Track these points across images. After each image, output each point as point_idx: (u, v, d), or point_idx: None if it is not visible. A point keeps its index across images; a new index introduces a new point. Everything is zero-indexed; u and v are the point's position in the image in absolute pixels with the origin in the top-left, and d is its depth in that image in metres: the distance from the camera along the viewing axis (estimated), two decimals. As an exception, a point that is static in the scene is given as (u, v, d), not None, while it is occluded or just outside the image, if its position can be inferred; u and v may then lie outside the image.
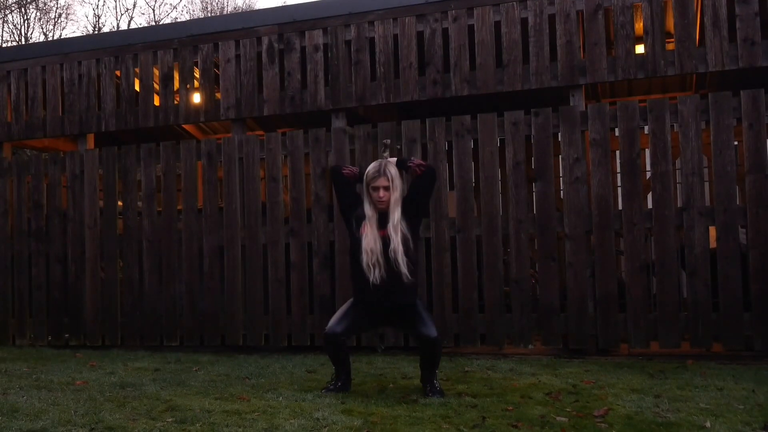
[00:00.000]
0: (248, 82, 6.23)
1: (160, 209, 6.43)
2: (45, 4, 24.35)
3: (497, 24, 5.64)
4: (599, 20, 5.43)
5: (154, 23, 25.27)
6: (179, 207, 6.40)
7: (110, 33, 9.86)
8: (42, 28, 24.92)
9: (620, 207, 5.37)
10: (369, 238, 3.87)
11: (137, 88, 6.65)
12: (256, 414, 3.46)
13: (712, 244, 5.19)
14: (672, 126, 5.25)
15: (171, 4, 36.63)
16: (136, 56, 6.56)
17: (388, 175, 3.88)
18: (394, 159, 4.04)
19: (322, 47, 6.05)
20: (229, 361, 5.41)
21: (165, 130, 7.61)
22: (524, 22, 5.58)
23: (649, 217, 5.27)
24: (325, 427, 3.20)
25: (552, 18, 5.52)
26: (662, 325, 5.16)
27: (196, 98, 6.60)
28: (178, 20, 22.39)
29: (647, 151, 5.54)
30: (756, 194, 5.03)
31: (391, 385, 4.23)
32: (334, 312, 5.40)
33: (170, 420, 3.37)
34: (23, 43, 22.45)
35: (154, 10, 29.85)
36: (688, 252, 5.15)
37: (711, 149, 5.17)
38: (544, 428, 3.16)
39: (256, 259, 6.06)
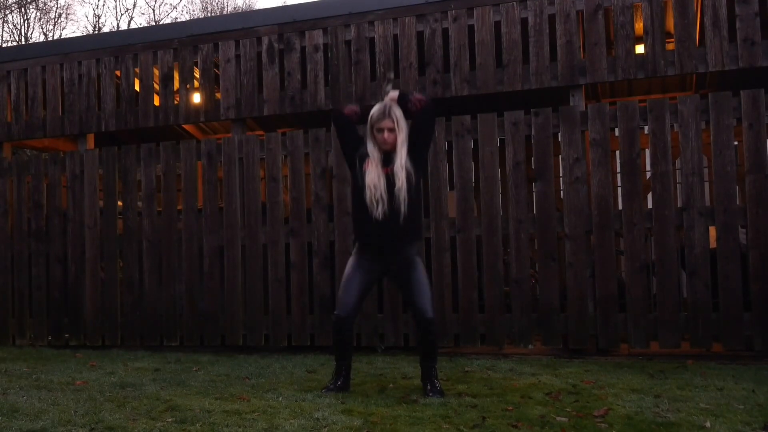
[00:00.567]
0: (248, 82, 6.23)
1: (160, 209, 6.43)
2: (45, 4, 24.37)
3: (497, 24, 5.64)
4: (599, 20, 5.43)
5: (154, 23, 25.28)
6: (179, 207, 6.40)
7: (110, 33, 9.86)
8: (42, 28, 24.93)
9: (620, 207, 5.37)
10: (372, 174, 3.85)
11: (137, 88, 6.65)
12: (256, 414, 3.46)
13: (712, 244, 5.19)
14: (672, 126, 5.25)
15: (171, 4, 36.65)
16: (136, 56, 6.56)
17: (393, 117, 3.86)
18: (397, 93, 3.99)
19: (322, 47, 6.05)
20: (229, 361, 5.41)
21: (165, 130, 7.61)
22: (524, 22, 5.58)
23: (649, 217, 5.27)
24: (325, 427, 3.20)
25: (552, 18, 5.53)
26: (662, 325, 5.15)
27: (196, 98, 6.60)
28: (178, 20, 22.40)
29: (647, 151, 5.54)
30: (756, 194, 5.03)
31: (391, 385, 4.23)
32: (334, 311, 5.42)
33: (170, 420, 3.37)
34: (23, 43, 22.46)
35: (154, 10, 29.86)
36: (688, 252, 5.15)
37: (711, 149, 5.17)
38: (544, 428, 3.16)
39: (256, 259, 6.06)
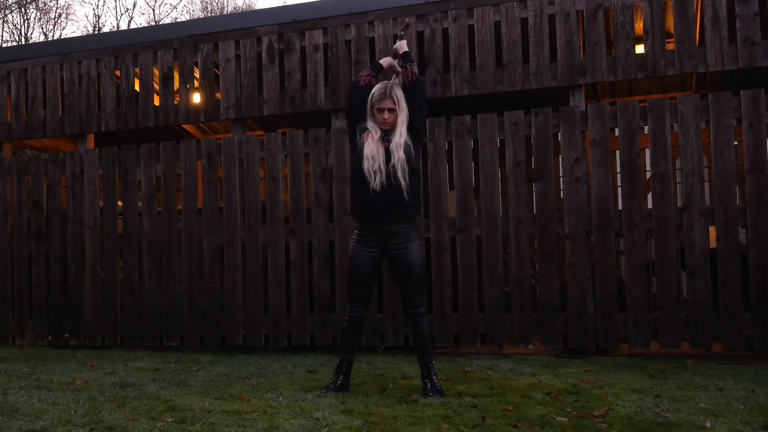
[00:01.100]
0: (248, 82, 6.23)
1: (160, 209, 6.43)
2: (45, 4, 24.37)
3: (497, 24, 5.64)
4: (599, 20, 5.43)
5: (154, 23, 25.27)
6: (179, 207, 6.40)
7: (110, 33, 9.86)
8: (42, 28, 24.93)
9: (620, 207, 5.37)
10: (371, 146, 3.91)
11: (137, 88, 6.65)
12: (256, 414, 3.46)
13: (712, 244, 5.19)
14: (672, 126, 5.25)
15: (171, 4, 36.65)
16: (136, 56, 6.56)
17: (393, 97, 3.92)
18: (404, 48, 4.14)
19: (322, 47, 6.05)
20: (229, 361, 5.41)
21: (165, 130, 7.60)
22: (524, 22, 5.58)
23: (649, 217, 5.27)
24: (325, 427, 3.20)
25: (552, 18, 5.52)
26: (662, 325, 5.15)
27: (196, 98, 6.60)
28: (178, 20, 22.40)
29: (647, 151, 5.54)
30: (756, 194, 5.03)
31: (391, 385, 4.23)
32: (334, 311, 5.42)
33: (170, 420, 3.37)
34: (23, 43, 22.46)
35: (154, 10, 29.86)
36: (688, 252, 5.15)
37: (711, 149, 5.17)
38: (544, 428, 3.16)
39: (256, 259, 6.06)
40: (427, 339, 4.00)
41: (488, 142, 5.61)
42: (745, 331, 5.01)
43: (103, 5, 28.89)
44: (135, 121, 6.55)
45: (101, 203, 6.61)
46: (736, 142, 5.35)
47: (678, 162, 5.37)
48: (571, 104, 5.47)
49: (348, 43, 5.99)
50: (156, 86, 6.76)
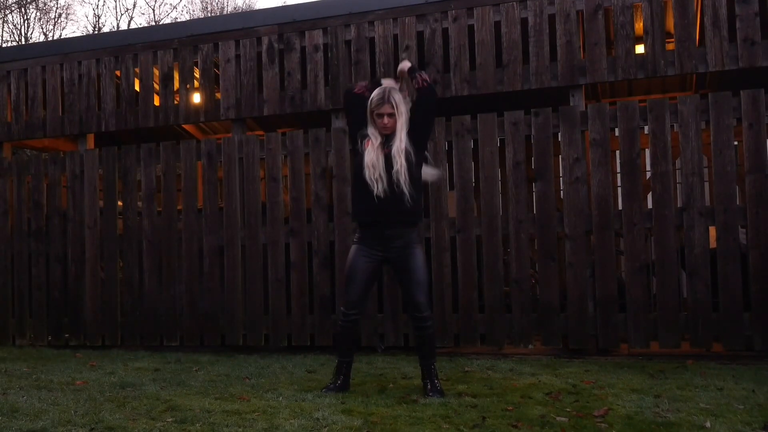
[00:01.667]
0: (248, 82, 6.23)
1: (160, 209, 6.43)
2: (45, 4, 24.37)
3: (497, 24, 5.64)
4: (599, 20, 5.43)
5: (154, 23, 25.28)
6: (179, 207, 6.40)
7: (110, 33, 9.86)
8: (42, 28, 24.93)
9: (620, 207, 5.37)
10: (371, 153, 3.89)
11: (137, 88, 6.65)
12: (256, 414, 3.46)
13: (712, 244, 5.19)
14: (672, 126, 5.25)
15: (171, 4, 36.65)
16: (136, 56, 6.56)
17: (392, 102, 3.90)
18: (408, 64, 4.08)
19: (322, 47, 6.05)
20: (229, 361, 5.41)
21: (165, 130, 7.60)
22: (524, 22, 5.58)
23: (649, 217, 5.27)
24: (325, 427, 3.20)
25: (552, 18, 5.52)
26: (662, 325, 5.15)
27: (196, 98, 6.60)
28: (178, 20, 22.40)
29: (647, 151, 5.54)
30: (756, 194, 5.03)
31: (391, 385, 4.23)
32: (334, 311, 5.42)
33: (170, 420, 3.37)
34: (23, 43, 22.46)
35: (154, 10, 29.86)
36: (688, 252, 5.15)
37: (711, 149, 5.17)
38: (544, 428, 3.16)
39: (256, 259, 6.06)
40: (430, 342, 3.98)
41: (488, 142, 5.61)
42: (745, 331, 5.01)
43: (103, 5, 28.91)
44: (135, 121, 6.55)
45: (101, 203, 6.61)
46: (736, 142, 5.35)
47: (678, 162, 5.37)
48: (571, 104, 5.47)
49: (348, 43, 5.99)
50: (156, 86, 6.76)
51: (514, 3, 5.58)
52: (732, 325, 5.01)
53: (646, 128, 5.37)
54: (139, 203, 6.52)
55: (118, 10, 29.57)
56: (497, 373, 4.61)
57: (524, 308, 5.44)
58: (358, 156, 4.01)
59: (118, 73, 6.69)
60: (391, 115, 3.90)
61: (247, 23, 6.31)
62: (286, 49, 6.14)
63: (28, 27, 24.07)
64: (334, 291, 5.84)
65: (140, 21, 27.08)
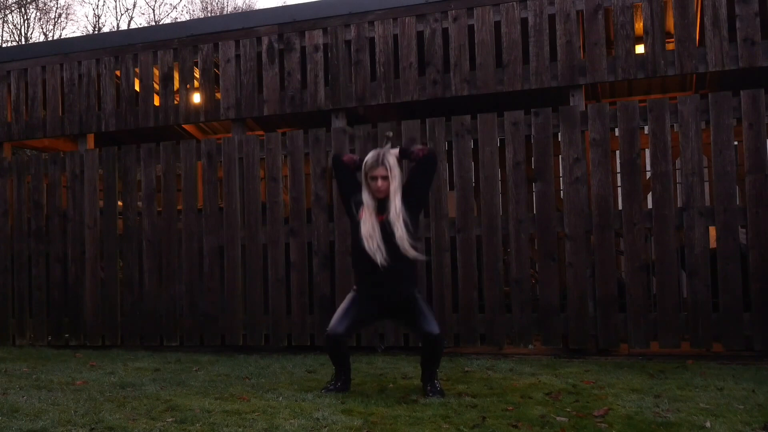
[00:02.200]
0: (248, 82, 6.23)
1: (160, 209, 6.43)
2: (45, 4, 24.37)
3: (497, 24, 5.64)
4: (599, 20, 5.43)
5: (154, 23, 25.28)
6: (179, 207, 6.40)
7: (110, 33, 9.86)
8: (42, 28, 24.93)
9: (620, 207, 5.37)
10: (367, 224, 3.88)
11: (137, 88, 6.65)
12: (256, 414, 3.46)
13: (712, 244, 5.19)
14: (672, 126, 5.25)
15: (171, 4, 36.67)
16: (136, 56, 6.56)
17: (386, 165, 3.87)
18: (396, 150, 4.02)
19: (322, 47, 6.05)
20: (229, 361, 5.41)
21: (165, 130, 7.60)
22: (524, 22, 5.58)
23: (649, 217, 5.27)
24: (325, 427, 3.20)
25: (552, 18, 5.52)
26: (662, 325, 5.15)
27: (196, 98, 6.60)
28: (178, 20, 22.40)
29: (647, 151, 5.54)
30: (756, 194, 5.03)
31: (391, 385, 4.23)
32: (334, 311, 5.41)
33: (170, 420, 3.37)
34: (23, 43, 22.46)
35: (154, 10, 29.87)
36: (688, 252, 5.15)
37: (711, 149, 5.17)
38: (544, 428, 3.16)
39: (256, 259, 6.06)
40: (440, 357, 3.96)
41: (488, 142, 5.61)
42: (745, 331, 5.01)
43: (103, 5, 28.91)
44: (135, 121, 6.55)
45: (101, 203, 6.61)
46: (736, 142, 5.34)
47: (678, 162, 5.37)
48: (571, 104, 5.47)
49: (348, 43, 5.99)
50: (156, 86, 6.76)
51: (514, 3, 5.58)
52: (732, 325, 5.01)
53: (646, 128, 5.37)
54: (139, 203, 6.52)
55: (118, 10, 29.58)
56: (497, 373, 4.61)
57: (524, 308, 5.44)
58: (354, 223, 4.00)
59: (118, 73, 6.69)
60: (385, 178, 3.86)
61: (247, 23, 6.31)
62: (286, 49, 6.14)
63: (28, 27, 24.08)
64: (334, 291, 5.84)
65: (140, 21, 27.10)
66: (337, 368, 4.05)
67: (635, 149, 5.28)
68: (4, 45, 21.42)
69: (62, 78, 6.78)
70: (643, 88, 7.16)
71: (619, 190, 5.46)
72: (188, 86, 6.45)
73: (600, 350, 5.32)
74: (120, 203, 6.60)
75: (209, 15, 25.49)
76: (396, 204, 3.85)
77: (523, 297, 5.45)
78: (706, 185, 6.00)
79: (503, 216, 5.56)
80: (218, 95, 6.43)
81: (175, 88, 6.48)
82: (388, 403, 3.67)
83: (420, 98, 5.81)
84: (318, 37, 6.05)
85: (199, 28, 6.51)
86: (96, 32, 23.98)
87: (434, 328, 3.84)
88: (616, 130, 5.43)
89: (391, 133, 4.20)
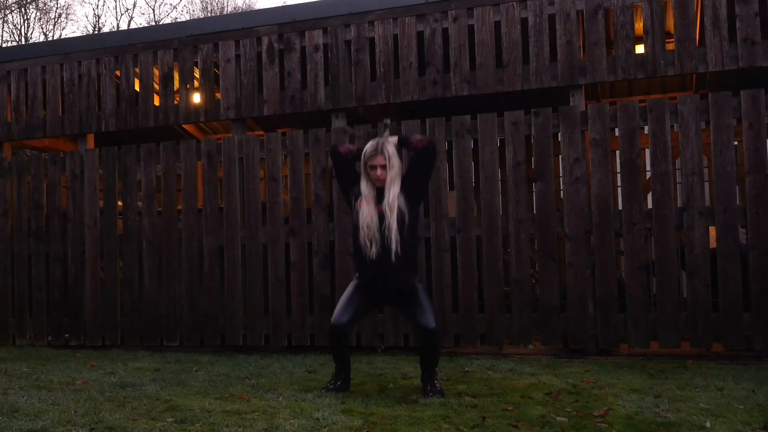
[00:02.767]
0: (248, 82, 6.23)
1: (160, 209, 6.43)
2: (45, 4, 24.37)
3: (497, 24, 5.64)
4: (599, 20, 5.43)
5: (154, 23, 25.28)
6: (179, 207, 6.40)
7: (110, 33, 9.86)
8: (42, 28, 24.93)
9: (620, 207, 5.37)
10: (365, 214, 3.89)
11: (137, 88, 6.65)
12: (256, 414, 3.46)
13: (712, 244, 5.19)
14: (672, 126, 5.25)
15: (171, 4, 36.66)
16: (136, 56, 6.56)
17: (385, 154, 3.88)
18: (395, 138, 4.04)
19: (322, 47, 6.05)
20: (229, 361, 5.41)
21: (165, 130, 7.60)
22: (524, 22, 5.58)
23: (649, 217, 5.27)
24: (325, 427, 3.20)
25: (552, 18, 5.52)
26: (662, 325, 5.15)
27: (196, 98, 6.60)
28: (178, 20, 22.40)
29: (647, 151, 5.54)
30: (756, 194, 5.03)
31: (391, 385, 4.23)
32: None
33: (170, 420, 3.37)
34: (23, 43, 22.46)
35: (154, 10, 29.87)
36: (688, 252, 5.15)
37: (711, 149, 5.17)
38: (544, 428, 3.16)
39: (256, 259, 6.06)
40: (436, 353, 3.97)
41: (488, 142, 5.61)
42: (745, 331, 5.01)
43: (103, 5, 28.91)
44: (135, 121, 6.55)
45: (101, 203, 6.61)
46: (736, 142, 5.35)
47: (678, 162, 5.37)
48: (571, 104, 5.47)
49: (348, 43, 5.99)
50: (156, 86, 6.76)
51: (514, 3, 5.58)
52: (732, 325, 5.01)
53: (646, 128, 5.37)
54: (139, 203, 6.52)
55: (118, 10, 29.58)
56: (497, 373, 4.61)
57: (524, 308, 5.44)
58: (353, 213, 4.02)
59: (118, 73, 6.69)
60: (384, 167, 3.87)
61: (247, 23, 6.31)
62: (286, 49, 6.14)
63: (28, 27, 24.08)
64: (334, 291, 5.84)
65: (140, 21, 27.10)
66: (338, 365, 4.05)
67: (635, 149, 5.28)
68: (4, 45, 21.42)
69: (62, 78, 6.78)
70: (643, 88, 7.16)
71: (619, 190, 5.46)
72: (188, 86, 6.45)
73: (600, 350, 5.32)
74: (120, 203, 6.60)
75: (209, 15, 25.49)
76: (392, 192, 3.87)
77: (523, 297, 5.45)
78: (706, 185, 6.00)
79: (503, 216, 5.56)
80: (218, 95, 6.43)
81: (175, 88, 6.48)
82: (388, 403, 3.67)
83: (420, 98, 5.81)
84: (318, 37, 6.05)
85: (199, 28, 6.51)
86: (96, 32, 23.99)
87: (430, 321, 3.84)
88: (616, 130, 5.43)
89: (389, 121, 4.20)
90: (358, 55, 5.94)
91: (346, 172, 4.11)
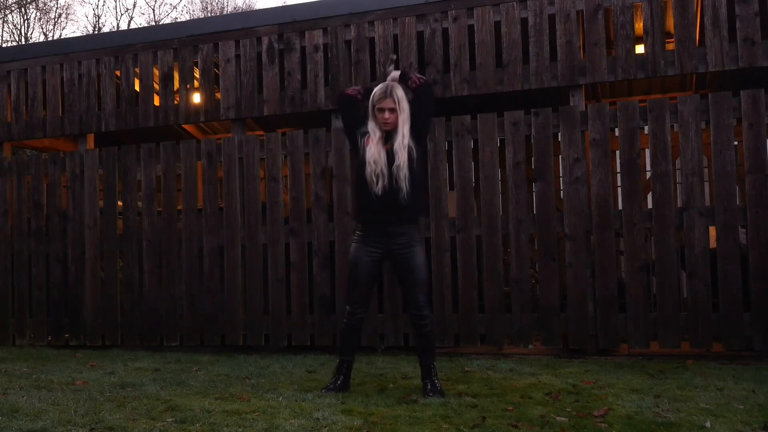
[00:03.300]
0: (248, 82, 6.23)
1: (160, 209, 6.43)
2: (45, 4, 24.38)
3: (497, 24, 5.64)
4: (599, 20, 5.43)
5: (154, 23, 25.28)
6: (179, 207, 6.40)
7: (110, 33, 9.86)
8: (42, 28, 24.93)
9: (620, 207, 5.37)
10: (373, 150, 3.90)
11: (137, 88, 6.65)
12: (256, 414, 3.46)
13: (712, 244, 5.19)
14: (672, 126, 5.25)
15: (171, 4, 36.67)
16: (136, 56, 6.55)
17: (394, 97, 3.90)
18: (398, 73, 4.06)
19: (322, 47, 6.05)
20: (229, 361, 5.41)
21: (165, 130, 7.61)
22: (524, 22, 5.58)
23: (649, 217, 5.27)
24: (325, 427, 3.20)
25: (552, 18, 5.52)
26: (662, 325, 5.15)
27: (196, 98, 6.60)
28: (178, 20, 22.39)
29: (647, 151, 5.54)
30: (756, 194, 5.03)
31: (391, 385, 4.23)
32: (334, 312, 5.42)
33: (170, 420, 3.37)
34: (23, 43, 22.46)
35: (154, 10, 29.87)
36: (688, 252, 5.15)
37: (711, 149, 5.17)
38: (544, 428, 3.16)
39: (256, 259, 6.06)
40: (430, 342, 4.00)
41: (488, 142, 5.61)
42: (745, 331, 5.01)
43: (103, 5, 28.92)
44: (135, 121, 6.55)
45: (101, 203, 6.61)
46: (736, 142, 5.34)
47: (678, 162, 5.37)
48: (571, 104, 5.47)
49: (348, 43, 5.99)
50: (156, 86, 6.76)
51: (514, 3, 5.58)
52: (732, 325, 5.01)
53: (646, 128, 5.37)
54: (139, 203, 6.52)
55: (118, 10, 29.59)
56: (497, 373, 4.61)
57: (524, 308, 5.44)
58: (359, 153, 4.02)
59: (118, 73, 6.69)
60: (393, 110, 3.90)
61: (247, 23, 6.31)
62: (286, 49, 6.14)
63: (28, 27, 24.08)
64: (334, 291, 5.84)
65: (140, 21, 27.10)
66: (343, 354, 4.07)
67: (635, 149, 5.28)
68: (4, 45, 21.42)
69: (62, 78, 6.78)
70: (643, 88, 7.16)
71: (619, 190, 5.46)
72: (188, 86, 6.45)
73: (600, 350, 5.32)
74: (120, 203, 6.60)
75: (209, 15, 25.49)
76: (404, 133, 3.89)
77: (523, 297, 5.45)
78: (706, 185, 6.00)
79: (503, 216, 5.56)
80: (218, 95, 6.43)
81: (175, 88, 6.48)
82: (388, 403, 3.67)
83: (420, 98, 5.80)
84: (318, 37, 6.06)
85: (199, 28, 6.51)
86: (96, 32, 23.99)
87: (420, 298, 3.91)
88: (616, 130, 5.43)
89: (395, 56, 4.22)
90: (358, 55, 5.94)
91: (353, 114, 4.10)
